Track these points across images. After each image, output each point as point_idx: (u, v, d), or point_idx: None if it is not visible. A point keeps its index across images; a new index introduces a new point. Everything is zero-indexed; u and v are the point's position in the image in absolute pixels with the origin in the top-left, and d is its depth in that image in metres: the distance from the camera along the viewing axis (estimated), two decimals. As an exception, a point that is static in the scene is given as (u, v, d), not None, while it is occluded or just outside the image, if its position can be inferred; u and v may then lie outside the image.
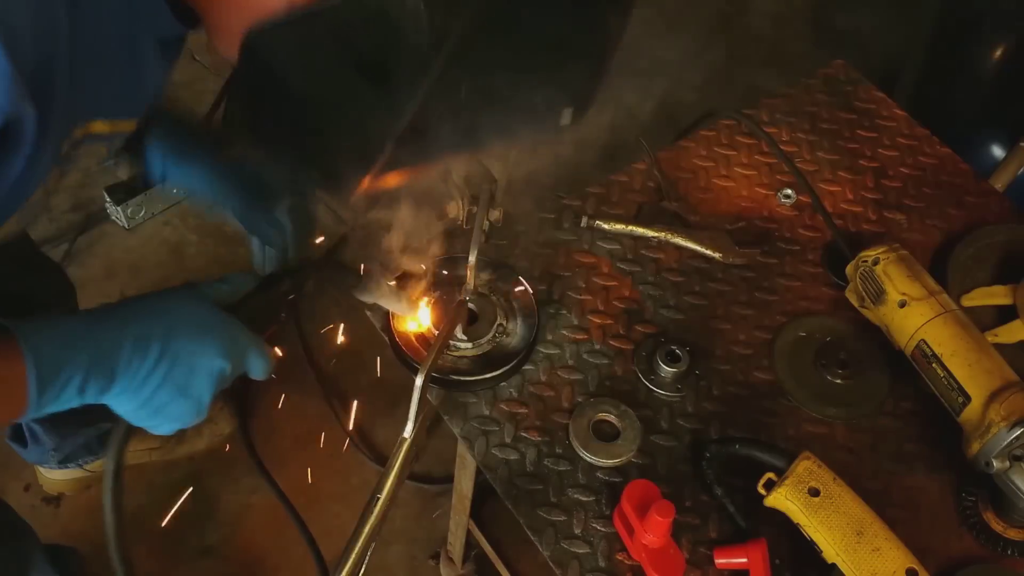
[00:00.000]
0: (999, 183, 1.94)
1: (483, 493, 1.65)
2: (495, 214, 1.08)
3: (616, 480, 1.13)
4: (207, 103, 2.66)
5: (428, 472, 2.04)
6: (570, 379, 1.20)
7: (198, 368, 0.88)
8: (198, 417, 0.91)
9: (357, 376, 2.17)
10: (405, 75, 0.70)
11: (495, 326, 1.20)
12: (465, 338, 1.18)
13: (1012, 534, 1.12)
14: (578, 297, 1.27)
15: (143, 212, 2.30)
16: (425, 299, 1.18)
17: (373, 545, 1.19)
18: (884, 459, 1.17)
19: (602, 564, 1.07)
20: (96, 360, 0.83)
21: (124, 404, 0.87)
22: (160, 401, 0.88)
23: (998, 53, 2.18)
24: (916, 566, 0.99)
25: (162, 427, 0.90)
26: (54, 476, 1.95)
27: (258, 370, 0.94)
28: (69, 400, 0.84)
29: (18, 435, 1.80)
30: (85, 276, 2.22)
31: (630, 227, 1.31)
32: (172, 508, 1.94)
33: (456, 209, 1.07)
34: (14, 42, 0.66)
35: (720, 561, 1.07)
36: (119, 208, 2.26)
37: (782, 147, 1.40)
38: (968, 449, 1.10)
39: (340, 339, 2.18)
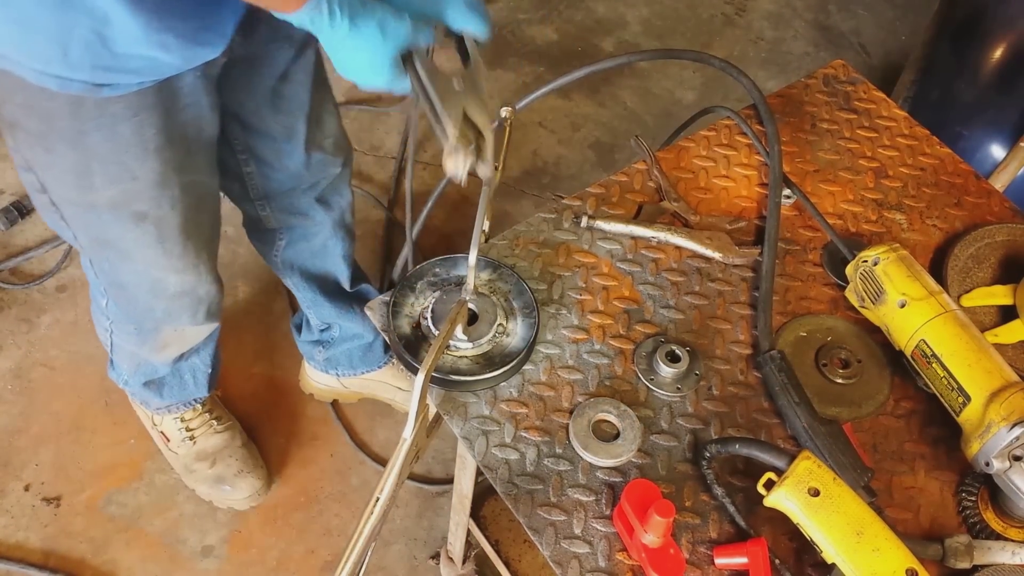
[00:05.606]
0: (999, 183, 1.95)
1: (483, 493, 1.65)
2: (485, 169, 1.04)
3: (616, 480, 1.13)
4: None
5: (428, 472, 2.05)
6: (570, 379, 1.20)
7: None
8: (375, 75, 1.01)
9: (357, 376, 2.17)
10: None
11: (495, 326, 1.20)
12: (465, 338, 1.18)
13: (1012, 534, 1.12)
14: (578, 297, 1.27)
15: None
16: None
17: (373, 545, 1.19)
18: (884, 459, 1.17)
19: (602, 564, 1.07)
20: None
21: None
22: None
23: (998, 53, 2.18)
24: (916, 566, 0.99)
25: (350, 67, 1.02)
26: (315, 378, 2.06)
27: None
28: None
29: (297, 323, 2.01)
30: (84, 277, 2.22)
31: (630, 227, 1.31)
32: (173, 507, 1.95)
33: (455, 165, 1.02)
34: None
35: (720, 561, 1.07)
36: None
37: (783, 147, 1.40)
38: (968, 449, 1.10)
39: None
